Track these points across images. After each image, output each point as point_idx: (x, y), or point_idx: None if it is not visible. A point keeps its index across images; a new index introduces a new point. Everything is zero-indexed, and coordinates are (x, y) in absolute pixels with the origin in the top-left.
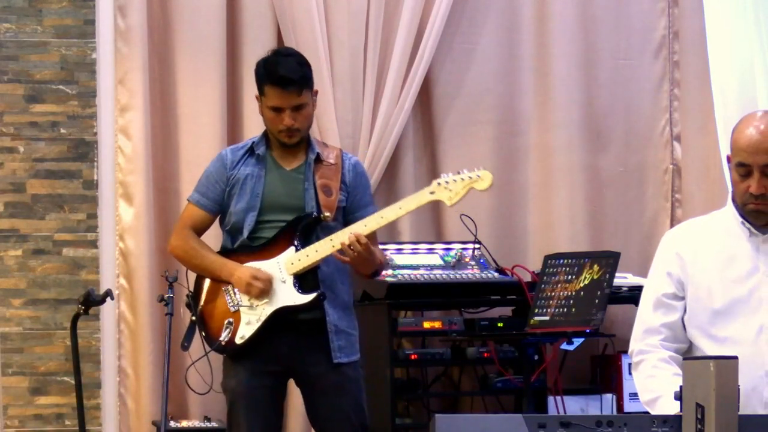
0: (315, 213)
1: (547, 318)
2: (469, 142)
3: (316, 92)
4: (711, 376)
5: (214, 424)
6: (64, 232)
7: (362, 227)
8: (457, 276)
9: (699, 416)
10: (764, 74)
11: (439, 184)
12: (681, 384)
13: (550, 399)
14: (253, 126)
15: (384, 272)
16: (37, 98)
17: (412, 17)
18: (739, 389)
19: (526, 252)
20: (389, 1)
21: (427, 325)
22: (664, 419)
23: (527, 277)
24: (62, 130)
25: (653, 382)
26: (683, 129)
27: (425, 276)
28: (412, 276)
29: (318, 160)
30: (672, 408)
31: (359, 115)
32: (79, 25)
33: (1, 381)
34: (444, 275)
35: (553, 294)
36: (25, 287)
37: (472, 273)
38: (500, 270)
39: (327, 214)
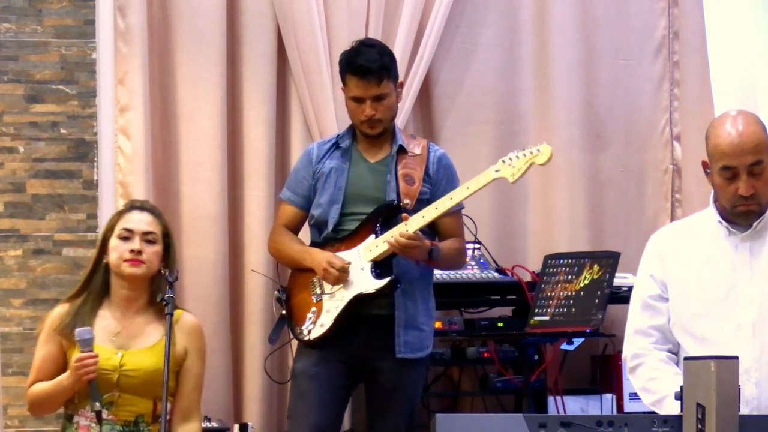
0: (395, 201)
1: (547, 318)
2: (469, 142)
3: (401, 84)
4: (712, 376)
5: (214, 424)
6: (64, 232)
7: (433, 210)
8: (457, 276)
9: (699, 416)
10: (764, 74)
11: (503, 162)
12: (681, 384)
13: (550, 399)
14: (254, 126)
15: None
16: (37, 98)
17: (412, 17)
18: (739, 389)
19: (526, 252)
20: (389, 1)
21: None
22: (665, 419)
23: (527, 277)
24: (62, 130)
25: (656, 383)
26: (683, 129)
27: None
28: None
29: (403, 151)
30: (678, 407)
31: None
32: (79, 25)
33: (1, 381)
34: (444, 275)
35: (553, 294)
36: (25, 287)
37: (472, 273)
38: (500, 270)
39: (406, 201)
